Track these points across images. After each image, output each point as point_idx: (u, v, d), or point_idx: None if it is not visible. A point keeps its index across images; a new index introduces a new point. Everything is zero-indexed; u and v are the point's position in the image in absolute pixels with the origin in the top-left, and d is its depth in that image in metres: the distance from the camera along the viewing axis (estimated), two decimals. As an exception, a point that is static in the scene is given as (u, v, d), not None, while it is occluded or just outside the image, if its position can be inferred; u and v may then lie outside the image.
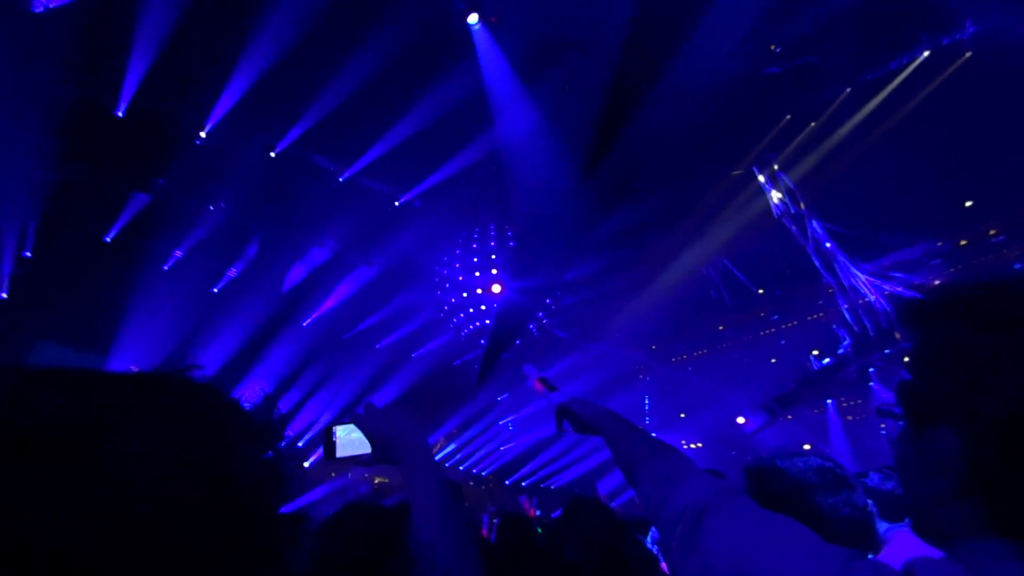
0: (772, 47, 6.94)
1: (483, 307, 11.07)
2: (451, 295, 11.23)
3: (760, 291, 10.32)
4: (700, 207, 9.78)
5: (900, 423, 0.59)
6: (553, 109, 8.09)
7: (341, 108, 7.51)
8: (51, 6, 5.06)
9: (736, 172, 9.51)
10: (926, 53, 6.92)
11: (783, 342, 10.59)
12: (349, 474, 11.17)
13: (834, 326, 9.29)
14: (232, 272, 9.92)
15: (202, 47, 6.62)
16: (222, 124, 7.50)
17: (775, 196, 8.94)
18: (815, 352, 9.75)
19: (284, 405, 11.01)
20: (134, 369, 0.43)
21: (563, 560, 1.66)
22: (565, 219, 9.35)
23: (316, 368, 10.70)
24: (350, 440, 1.01)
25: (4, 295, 7.21)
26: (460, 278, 11.02)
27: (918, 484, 0.56)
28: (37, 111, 5.73)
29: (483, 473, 12.80)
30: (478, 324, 11.15)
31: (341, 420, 1.03)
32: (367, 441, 0.95)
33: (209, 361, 9.48)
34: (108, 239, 8.17)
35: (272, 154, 8.16)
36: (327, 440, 1.02)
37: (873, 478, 2.11)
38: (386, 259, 10.46)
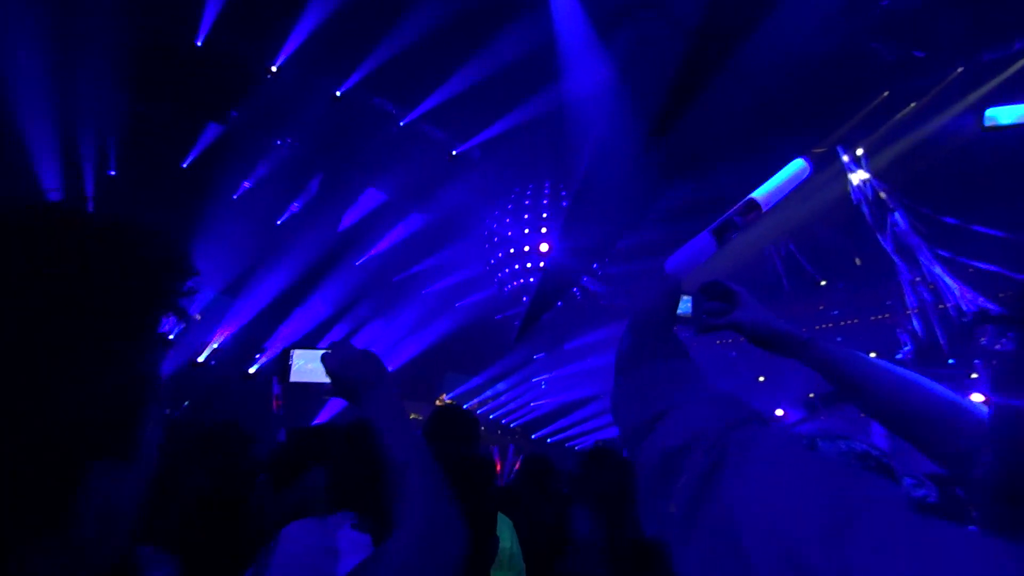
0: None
1: (529, 265, 11.07)
2: (498, 250, 11.28)
3: (823, 282, 9.65)
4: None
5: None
6: (625, 68, 7.63)
7: (407, 52, 7.44)
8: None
9: (818, 149, 8.71)
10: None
11: (839, 339, 9.97)
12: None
13: (898, 330, 8.60)
14: (295, 207, 10.39)
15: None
16: (291, 62, 7.67)
17: (856, 180, 8.15)
18: (872, 354, 9.11)
19: (332, 338, 11.71)
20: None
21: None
22: (624, 185, 8.99)
23: (365, 306, 11.22)
24: (311, 368, 0.97)
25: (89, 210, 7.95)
26: (509, 233, 11.01)
27: None
28: (120, 41, 6.07)
29: (511, 425, 13.26)
30: (522, 281, 11.21)
31: (303, 345, 1.02)
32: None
33: (268, 289, 10.18)
34: (184, 165, 8.72)
35: (337, 93, 8.28)
36: (283, 362, 1.01)
37: (905, 483, 2.02)
38: (439, 207, 10.58)
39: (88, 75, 6.23)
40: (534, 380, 13.26)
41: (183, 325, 0.45)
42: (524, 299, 11.43)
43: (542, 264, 10.81)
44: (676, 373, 0.58)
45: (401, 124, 8.92)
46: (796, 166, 1.00)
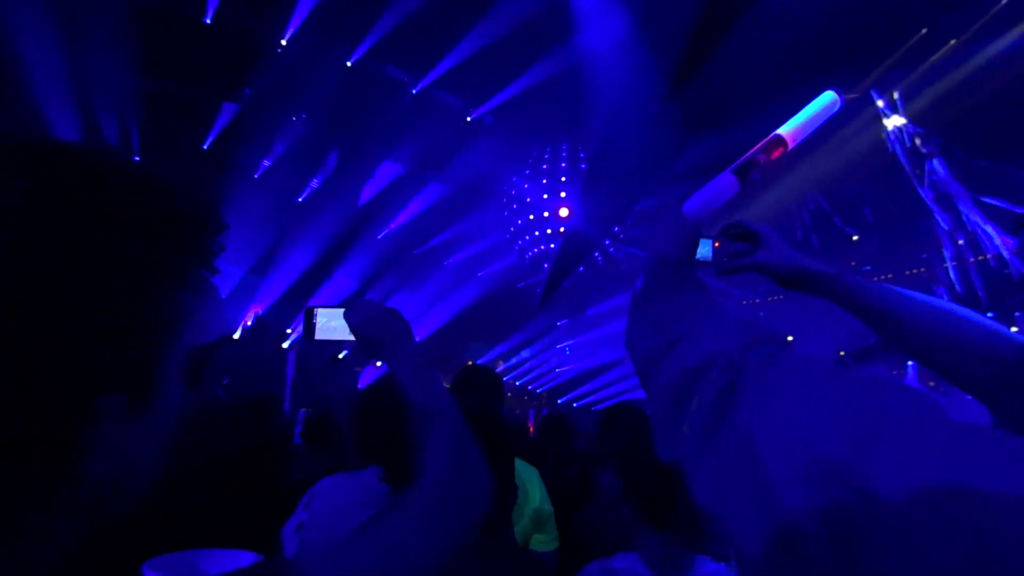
0: None
1: (549, 231, 10.98)
2: (518, 216, 11.20)
3: (855, 238, 9.28)
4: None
5: None
6: (642, 18, 7.30)
7: (415, 15, 7.27)
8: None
9: (851, 95, 8.25)
10: None
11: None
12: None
13: (935, 287, 8.27)
14: (314, 183, 10.44)
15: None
16: (300, 34, 7.58)
17: (891, 125, 7.72)
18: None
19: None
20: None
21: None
22: (645, 143, 8.73)
23: (388, 279, 11.36)
24: (334, 326, 0.99)
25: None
26: (528, 200, 10.90)
27: None
28: (129, 21, 6.07)
29: (538, 391, 13.46)
30: (543, 248, 11.15)
31: (329, 305, 1.04)
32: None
33: (293, 266, 10.38)
34: (205, 147, 8.82)
35: (348, 63, 8.18)
36: (308, 321, 1.03)
37: None
38: (457, 176, 10.49)
39: (104, 64, 6.28)
40: (558, 346, 13.36)
41: (212, 277, 0.45)
42: (545, 266, 11.40)
43: (562, 229, 10.71)
44: (691, 303, 0.56)
45: (414, 91, 8.80)
46: (825, 99, 0.93)
